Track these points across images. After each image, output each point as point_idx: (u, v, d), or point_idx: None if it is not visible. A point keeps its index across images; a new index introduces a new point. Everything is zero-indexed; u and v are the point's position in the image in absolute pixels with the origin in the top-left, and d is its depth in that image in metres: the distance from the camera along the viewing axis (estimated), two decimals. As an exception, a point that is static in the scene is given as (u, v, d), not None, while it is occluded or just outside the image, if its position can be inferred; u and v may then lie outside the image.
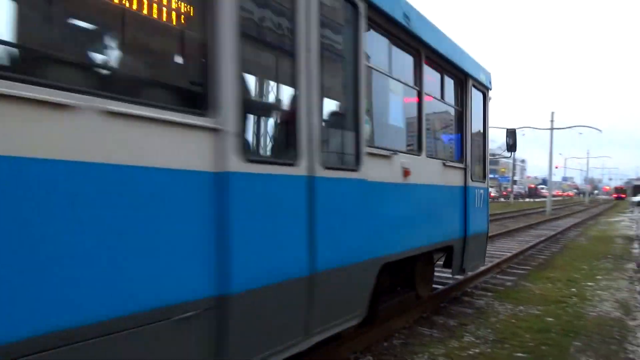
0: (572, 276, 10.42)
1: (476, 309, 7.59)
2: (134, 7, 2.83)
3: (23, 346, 2.15)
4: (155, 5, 2.92)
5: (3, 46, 2.50)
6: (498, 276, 10.32)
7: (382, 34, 5.10)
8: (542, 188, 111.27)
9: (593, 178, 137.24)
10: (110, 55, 3.01)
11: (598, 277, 10.49)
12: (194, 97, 2.99)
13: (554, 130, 36.43)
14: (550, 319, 7.08)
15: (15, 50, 2.55)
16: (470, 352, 5.64)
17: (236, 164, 3.06)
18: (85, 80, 2.62)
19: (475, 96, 7.74)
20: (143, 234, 2.59)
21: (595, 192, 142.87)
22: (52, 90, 2.27)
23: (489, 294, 8.67)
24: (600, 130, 38.69)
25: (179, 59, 3.34)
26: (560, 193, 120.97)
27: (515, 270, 11.04)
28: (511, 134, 8.97)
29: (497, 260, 11.30)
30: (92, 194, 2.39)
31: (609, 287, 9.46)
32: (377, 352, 5.59)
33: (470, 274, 8.79)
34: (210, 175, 2.94)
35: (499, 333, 6.37)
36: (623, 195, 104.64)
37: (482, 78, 7.90)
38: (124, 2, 2.81)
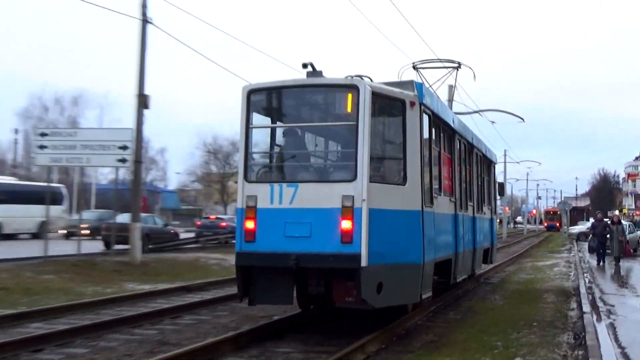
0: (478, 361, 6.44)
1: None
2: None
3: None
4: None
5: None
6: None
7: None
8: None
9: (514, 196, 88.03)
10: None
11: (517, 359, 6.63)
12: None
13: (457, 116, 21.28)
14: None
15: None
16: None
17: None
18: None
19: (487, 164, 15.54)
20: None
21: (519, 219, 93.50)
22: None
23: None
24: (522, 119, 24.79)
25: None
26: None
27: (388, 356, 6.96)
28: (501, 185, 19.50)
29: (364, 339, 7.15)
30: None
31: (535, 379, 5.57)
32: None
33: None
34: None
35: None
36: (557, 224, 67.18)
37: (493, 157, 16.43)
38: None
